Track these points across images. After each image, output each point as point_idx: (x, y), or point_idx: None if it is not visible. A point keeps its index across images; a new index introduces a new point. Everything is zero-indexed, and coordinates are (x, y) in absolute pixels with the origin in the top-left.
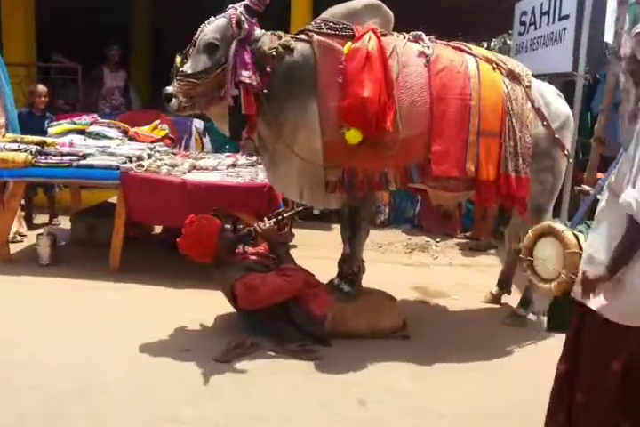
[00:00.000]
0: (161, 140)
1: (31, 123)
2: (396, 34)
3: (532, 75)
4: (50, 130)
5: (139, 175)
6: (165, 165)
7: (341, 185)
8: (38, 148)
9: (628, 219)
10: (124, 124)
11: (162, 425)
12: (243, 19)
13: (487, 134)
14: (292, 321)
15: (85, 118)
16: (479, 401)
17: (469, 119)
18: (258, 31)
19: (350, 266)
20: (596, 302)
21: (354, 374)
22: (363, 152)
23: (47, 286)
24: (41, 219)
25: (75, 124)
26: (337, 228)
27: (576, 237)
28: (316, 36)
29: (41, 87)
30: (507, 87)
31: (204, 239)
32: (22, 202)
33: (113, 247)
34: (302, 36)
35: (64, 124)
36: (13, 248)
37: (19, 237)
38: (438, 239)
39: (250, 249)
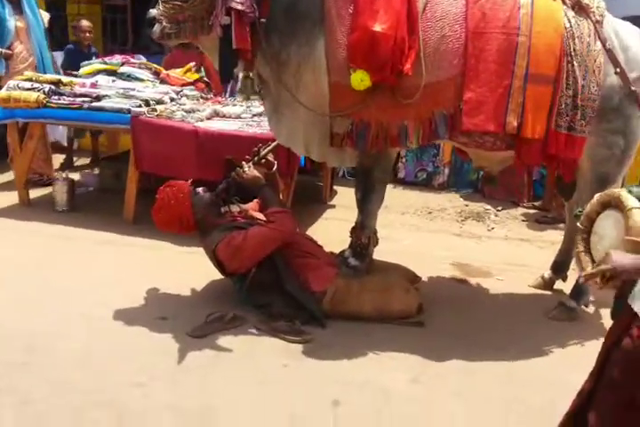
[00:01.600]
0: (193, 83)
1: (78, 59)
2: None
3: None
4: (80, 70)
5: (149, 120)
6: (182, 110)
7: (350, 139)
8: (52, 87)
9: None
10: (155, 66)
11: (91, 412)
12: None
13: (538, 80)
14: (286, 293)
15: (117, 58)
16: (482, 413)
17: (515, 60)
18: None
19: (359, 236)
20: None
21: (340, 367)
22: (377, 100)
23: (49, 235)
24: (83, 162)
25: (105, 64)
26: (389, 188)
27: None
28: None
29: (85, 22)
30: (569, 21)
31: (176, 208)
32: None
33: (127, 198)
34: None
35: (95, 64)
36: (38, 192)
37: (45, 180)
38: (500, 208)
39: (238, 207)
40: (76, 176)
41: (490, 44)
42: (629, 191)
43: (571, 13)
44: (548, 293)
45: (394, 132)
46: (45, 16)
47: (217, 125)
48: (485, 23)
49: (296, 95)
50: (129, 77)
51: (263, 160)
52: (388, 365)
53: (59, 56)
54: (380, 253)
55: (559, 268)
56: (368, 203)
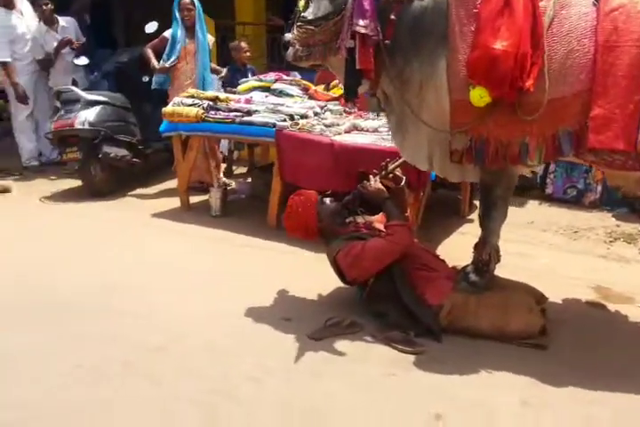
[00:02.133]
0: (338, 98)
1: (236, 76)
2: None
3: None
4: (238, 87)
5: (290, 134)
6: (323, 124)
7: (469, 155)
8: (210, 103)
9: None
10: (305, 82)
11: (210, 399)
12: None
13: None
14: (402, 305)
15: (271, 76)
16: None
17: None
18: None
19: (481, 253)
20: None
21: (449, 381)
22: (497, 116)
23: (201, 236)
24: (241, 171)
25: (261, 81)
26: (533, 205)
27: None
28: None
29: (242, 44)
30: None
31: (303, 215)
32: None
33: (270, 206)
34: None
35: (251, 82)
36: (199, 197)
37: (205, 187)
38: None
39: (363, 219)
40: (233, 184)
41: (621, 58)
42: None
43: None
44: None
45: (514, 149)
46: (210, 40)
47: (352, 139)
48: (618, 37)
49: (419, 112)
50: (281, 93)
51: (390, 175)
52: (499, 385)
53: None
54: (513, 270)
55: None
56: (490, 220)
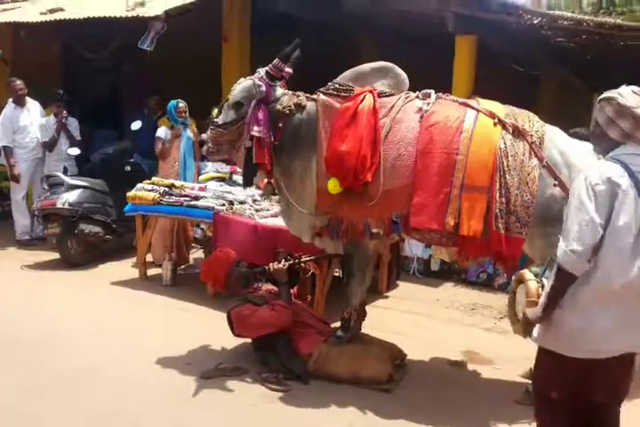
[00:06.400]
0: None
1: None
2: (405, 93)
3: None
4: (200, 177)
5: (225, 216)
6: (253, 209)
7: (327, 230)
8: (166, 189)
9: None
10: None
11: (103, 415)
12: (258, 83)
13: (472, 189)
14: (277, 354)
15: (227, 168)
16: None
17: (453, 173)
18: (279, 91)
19: (343, 312)
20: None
21: (297, 411)
22: (348, 202)
23: (148, 302)
24: None
25: (218, 172)
26: (448, 286)
27: (541, 286)
28: (321, 96)
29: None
30: (504, 143)
31: (217, 269)
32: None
33: None
34: (314, 96)
35: (210, 173)
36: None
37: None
38: None
39: (266, 286)
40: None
41: (434, 161)
42: (530, 270)
43: (509, 136)
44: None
45: (360, 227)
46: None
47: (274, 222)
48: (432, 145)
49: (300, 198)
50: (234, 183)
51: (297, 266)
52: (334, 413)
53: None
54: (404, 337)
55: None
56: (349, 286)
